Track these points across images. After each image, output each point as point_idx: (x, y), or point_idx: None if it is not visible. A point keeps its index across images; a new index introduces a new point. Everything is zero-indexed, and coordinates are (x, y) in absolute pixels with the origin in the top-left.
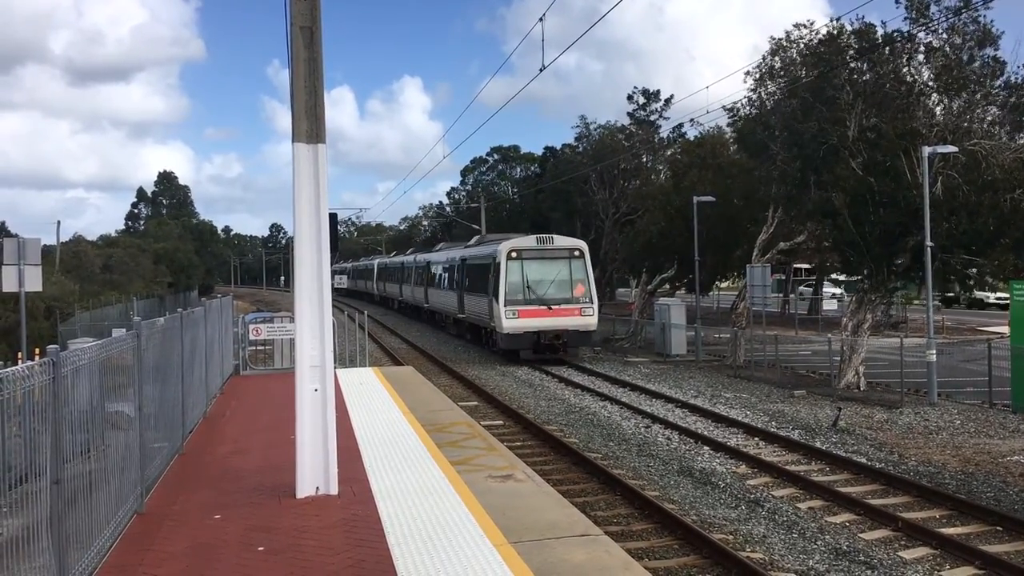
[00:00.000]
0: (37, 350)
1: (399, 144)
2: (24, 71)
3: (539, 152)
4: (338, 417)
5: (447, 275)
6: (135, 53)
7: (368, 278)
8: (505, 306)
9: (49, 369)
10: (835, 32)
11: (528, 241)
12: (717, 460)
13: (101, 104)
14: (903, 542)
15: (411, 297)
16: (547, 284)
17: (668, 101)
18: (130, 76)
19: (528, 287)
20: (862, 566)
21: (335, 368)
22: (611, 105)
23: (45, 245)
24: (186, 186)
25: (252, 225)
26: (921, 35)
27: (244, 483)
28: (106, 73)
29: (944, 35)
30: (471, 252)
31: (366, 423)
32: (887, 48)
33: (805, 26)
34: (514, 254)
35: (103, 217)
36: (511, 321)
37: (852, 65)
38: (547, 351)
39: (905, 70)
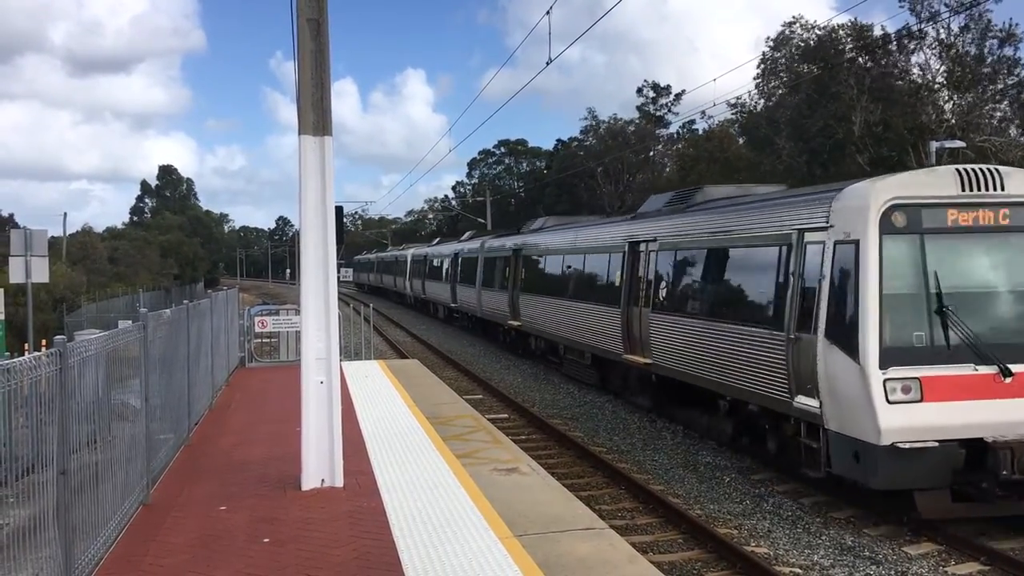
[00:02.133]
0: (44, 341)
1: (403, 137)
2: (24, 61)
3: (543, 146)
4: (343, 409)
5: (581, 275)
6: (135, 44)
7: (399, 273)
8: (883, 367)
9: (56, 360)
10: (830, 33)
11: (937, 182)
12: (722, 455)
13: (102, 95)
14: (908, 537)
15: (477, 305)
16: (1000, 302)
17: (679, 96)
18: (131, 67)
19: (950, 312)
20: (867, 561)
21: (340, 360)
22: (614, 98)
23: (51, 237)
24: (189, 178)
25: (256, 217)
26: (931, 32)
27: (249, 475)
28: (106, 64)
29: (956, 30)
30: (671, 225)
31: (371, 415)
32: (893, 44)
33: (795, 21)
34: (900, 218)
35: (107, 209)
36: (904, 411)
37: (857, 59)
38: (981, 497)
39: (911, 64)
